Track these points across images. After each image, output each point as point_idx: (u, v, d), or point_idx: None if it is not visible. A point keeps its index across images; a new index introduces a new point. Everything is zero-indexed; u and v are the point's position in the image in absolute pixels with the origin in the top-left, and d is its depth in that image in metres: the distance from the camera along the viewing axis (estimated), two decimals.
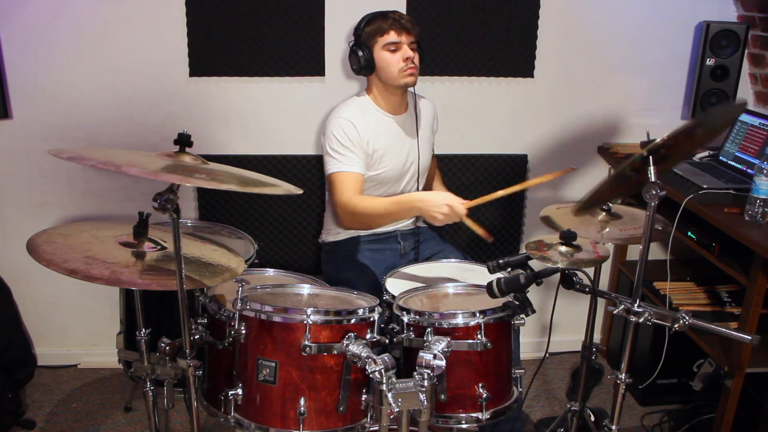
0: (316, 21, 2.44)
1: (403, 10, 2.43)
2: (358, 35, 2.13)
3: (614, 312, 1.53)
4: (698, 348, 2.24)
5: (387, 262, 2.23)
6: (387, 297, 1.82)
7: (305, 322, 1.51)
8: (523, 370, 1.77)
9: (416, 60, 2.12)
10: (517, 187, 1.95)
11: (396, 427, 1.43)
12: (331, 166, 2.11)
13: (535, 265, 1.65)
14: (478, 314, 1.61)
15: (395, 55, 2.09)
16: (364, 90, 2.24)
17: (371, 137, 2.15)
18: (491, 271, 1.69)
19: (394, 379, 1.39)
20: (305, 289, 1.75)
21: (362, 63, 2.11)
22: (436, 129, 2.43)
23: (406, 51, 2.09)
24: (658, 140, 1.41)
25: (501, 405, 1.67)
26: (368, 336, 1.59)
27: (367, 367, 1.41)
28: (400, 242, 2.33)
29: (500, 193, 1.94)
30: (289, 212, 2.62)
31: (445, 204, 1.92)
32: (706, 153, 2.60)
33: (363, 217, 2.06)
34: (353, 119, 2.13)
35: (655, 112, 2.73)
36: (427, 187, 2.46)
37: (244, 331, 1.57)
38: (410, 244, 2.34)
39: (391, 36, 2.07)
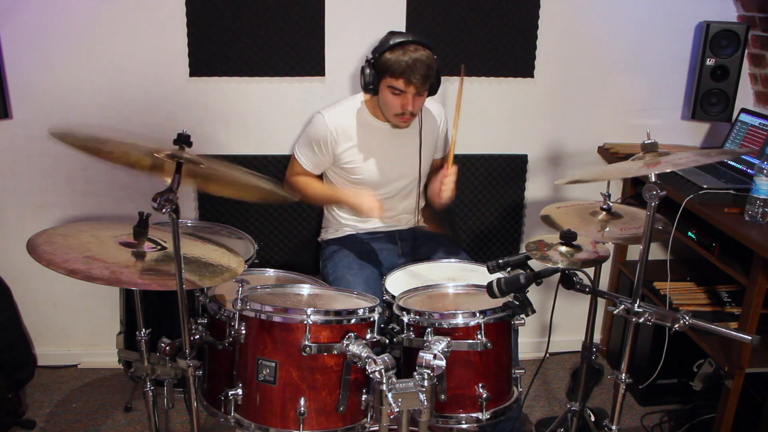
0: (316, 21, 2.44)
1: (403, 10, 2.43)
2: (375, 57, 2.07)
3: (614, 312, 1.53)
4: (698, 348, 2.24)
5: (385, 262, 2.24)
6: (387, 297, 1.83)
7: (305, 322, 1.51)
8: (523, 370, 1.77)
9: (417, 108, 2.10)
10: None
11: (396, 427, 1.43)
12: (296, 145, 2.36)
13: (535, 265, 1.65)
14: (478, 314, 1.61)
15: (396, 99, 2.07)
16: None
17: (345, 139, 2.19)
18: (491, 271, 1.69)
19: (394, 379, 1.39)
20: (305, 289, 1.75)
21: (367, 85, 2.10)
22: (440, 135, 2.39)
23: (408, 102, 2.06)
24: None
25: (501, 405, 1.67)
26: (368, 336, 1.59)
27: (367, 367, 1.41)
28: (398, 242, 2.33)
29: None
30: (289, 212, 2.62)
31: (367, 200, 2.10)
32: None
33: (302, 195, 2.29)
34: (331, 121, 2.19)
35: (655, 112, 2.73)
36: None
37: (244, 331, 1.57)
38: (408, 244, 2.34)
39: (399, 84, 2.02)
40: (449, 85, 2.58)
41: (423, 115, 2.25)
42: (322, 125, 2.19)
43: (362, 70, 2.12)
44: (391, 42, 2.03)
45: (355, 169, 2.22)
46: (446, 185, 2.14)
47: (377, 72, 2.06)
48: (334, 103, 2.27)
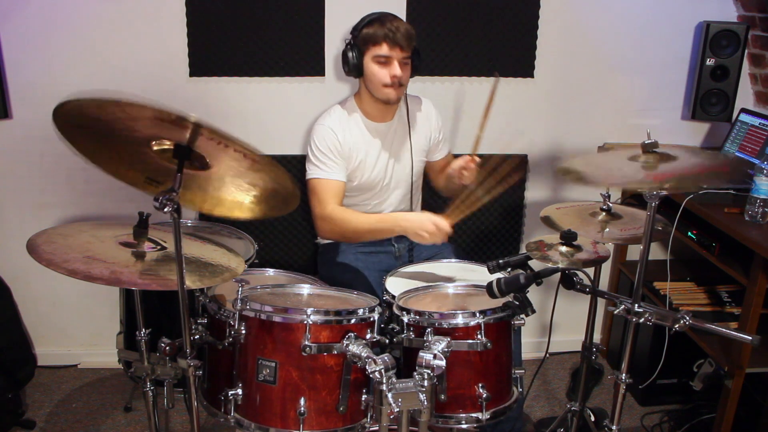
0: (316, 21, 2.44)
1: (403, 11, 2.43)
2: (354, 35, 2.09)
3: (614, 312, 1.53)
4: (698, 348, 2.24)
5: (382, 265, 2.23)
6: (387, 297, 1.82)
7: (305, 322, 1.51)
8: (523, 370, 1.77)
9: (405, 78, 2.09)
10: (488, 188, 1.99)
11: (396, 427, 1.43)
12: (311, 172, 2.15)
13: (535, 265, 1.65)
14: (478, 314, 1.61)
15: (383, 69, 2.06)
16: (353, 95, 2.24)
17: (351, 146, 2.17)
18: (491, 271, 1.69)
19: (394, 379, 1.39)
20: (305, 289, 1.75)
21: (351, 66, 2.10)
22: (436, 135, 2.36)
23: (395, 68, 2.04)
24: None
25: (501, 405, 1.67)
26: (368, 336, 1.59)
27: (367, 367, 1.41)
28: (395, 245, 2.32)
29: (477, 202, 1.97)
30: (289, 212, 2.61)
31: (430, 222, 1.92)
32: None
33: (344, 231, 2.08)
34: (334, 127, 2.15)
35: (655, 112, 2.73)
36: (442, 182, 2.37)
37: (244, 331, 1.57)
38: (405, 246, 2.34)
39: (383, 49, 2.03)
40: (448, 85, 2.59)
41: (411, 115, 2.25)
42: (329, 130, 2.15)
43: (344, 54, 2.11)
44: (367, 20, 2.06)
45: (356, 171, 2.20)
46: (470, 170, 2.09)
47: (359, 49, 2.07)
48: (325, 110, 2.24)
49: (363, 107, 2.21)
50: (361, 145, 2.19)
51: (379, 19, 2.05)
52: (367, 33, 2.05)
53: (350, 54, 2.08)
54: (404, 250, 2.33)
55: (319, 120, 2.20)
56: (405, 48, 2.04)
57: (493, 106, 2.05)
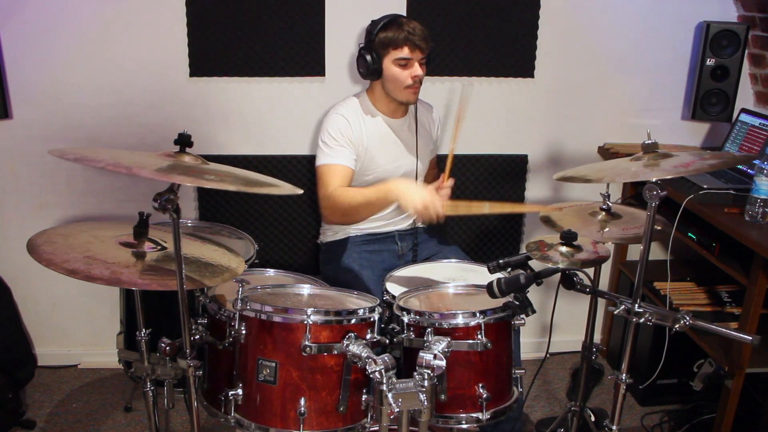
0: (316, 21, 2.44)
1: (403, 10, 2.43)
2: (370, 39, 2.10)
3: (615, 312, 1.53)
4: (698, 348, 2.24)
5: (385, 263, 2.23)
6: (387, 297, 1.82)
7: (305, 322, 1.51)
8: (523, 371, 1.77)
9: (423, 76, 2.12)
10: (507, 208, 1.96)
11: (396, 427, 1.43)
12: (320, 159, 2.15)
13: (536, 265, 1.65)
14: (478, 314, 1.61)
15: (404, 71, 2.08)
16: (365, 90, 2.25)
17: (364, 137, 2.17)
18: (491, 271, 1.69)
19: (394, 379, 1.39)
20: (305, 289, 1.75)
21: (370, 69, 2.11)
22: (437, 135, 2.43)
23: (416, 69, 2.08)
24: None
25: (501, 405, 1.67)
26: (368, 336, 1.59)
27: (367, 367, 1.41)
28: (398, 243, 2.33)
29: (487, 210, 1.95)
30: (289, 212, 2.62)
31: (425, 196, 1.88)
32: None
33: (343, 209, 2.04)
34: (348, 116, 2.17)
35: (655, 112, 2.73)
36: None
37: (244, 332, 1.57)
38: (408, 245, 2.34)
39: (405, 52, 2.05)
40: (448, 85, 2.59)
41: (419, 112, 2.27)
42: (340, 117, 2.16)
43: (360, 57, 2.13)
44: (382, 23, 2.07)
45: (370, 164, 2.21)
46: (443, 190, 2.06)
47: (378, 52, 2.08)
48: (338, 102, 2.26)
49: (377, 104, 2.22)
50: (376, 138, 2.20)
51: (395, 21, 2.07)
52: (386, 37, 2.06)
53: (368, 58, 2.09)
54: (407, 249, 2.33)
55: (333, 109, 2.22)
56: (425, 49, 2.08)
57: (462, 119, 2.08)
